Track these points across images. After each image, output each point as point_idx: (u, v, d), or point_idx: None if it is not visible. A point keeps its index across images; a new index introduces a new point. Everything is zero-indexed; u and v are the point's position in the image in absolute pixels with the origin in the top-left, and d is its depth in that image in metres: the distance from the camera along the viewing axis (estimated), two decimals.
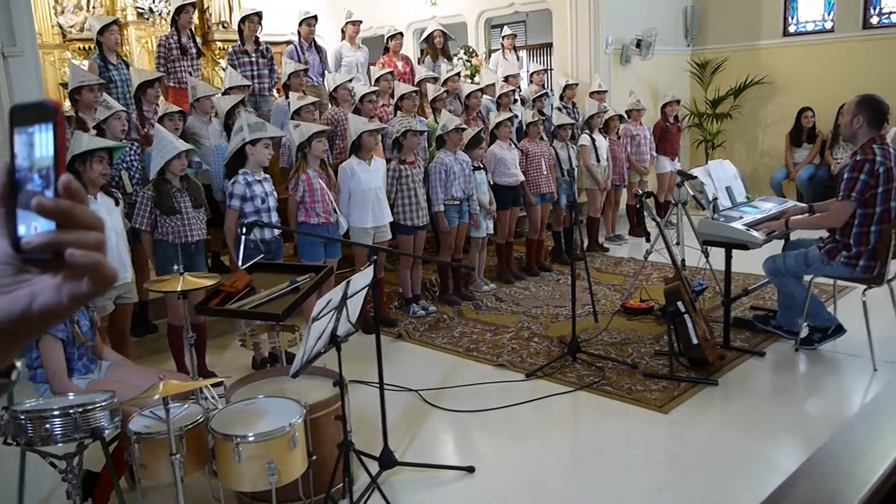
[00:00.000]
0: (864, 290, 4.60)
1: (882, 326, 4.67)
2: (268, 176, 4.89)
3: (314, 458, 3.08)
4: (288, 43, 8.72)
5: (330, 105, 6.77)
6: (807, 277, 4.77)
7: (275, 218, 4.82)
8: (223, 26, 9.77)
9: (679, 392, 4.30)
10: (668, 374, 4.51)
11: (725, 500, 3.29)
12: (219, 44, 9.70)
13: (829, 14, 9.58)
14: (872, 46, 9.09)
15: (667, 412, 4.08)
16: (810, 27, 9.81)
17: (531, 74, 8.73)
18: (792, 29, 9.95)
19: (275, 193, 4.90)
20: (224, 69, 7.99)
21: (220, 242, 5.70)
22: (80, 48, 8.99)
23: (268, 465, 2.80)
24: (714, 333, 4.80)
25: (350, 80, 6.93)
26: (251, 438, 2.82)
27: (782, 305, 5.03)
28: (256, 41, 7.19)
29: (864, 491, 1.66)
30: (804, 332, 4.86)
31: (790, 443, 3.77)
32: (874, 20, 9.24)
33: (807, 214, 4.86)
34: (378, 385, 3.43)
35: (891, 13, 9.13)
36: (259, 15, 7.13)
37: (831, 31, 9.54)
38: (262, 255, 4.08)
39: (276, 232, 4.86)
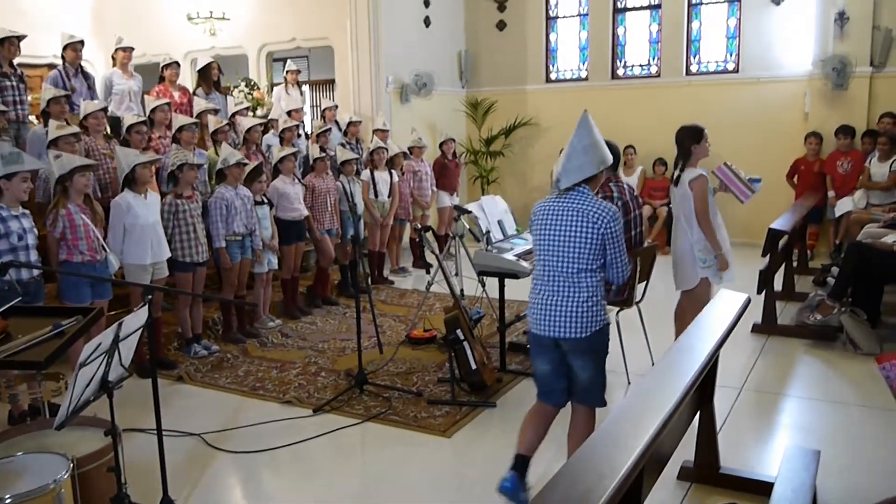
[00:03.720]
0: (618, 311, 5.14)
1: (633, 344, 5.23)
2: (26, 211, 4.47)
3: None
4: (51, 66, 8.08)
5: (82, 134, 6.32)
6: None
7: (34, 257, 4.42)
8: None
9: (461, 416, 4.52)
10: (451, 399, 4.72)
11: None
12: None
13: (583, 64, 10.69)
14: (619, 94, 10.28)
15: (450, 436, 4.27)
16: (568, 75, 10.88)
17: (323, 110, 8.79)
18: (553, 76, 10.96)
19: (35, 230, 4.50)
20: None
21: None
22: None
23: None
24: (491, 358, 5.11)
25: (104, 108, 6.54)
26: (8, 500, 2.56)
27: None
28: (11, 65, 6.59)
29: (611, 488, 1.88)
30: None
31: (559, 454, 4.08)
32: (620, 72, 10.47)
33: None
34: (156, 431, 3.26)
35: (633, 66, 10.39)
36: (20, 38, 6.55)
37: (586, 79, 10.65)
38: (18, 298, 3.73)
39: (36, 272, 4.45)
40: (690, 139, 4.81)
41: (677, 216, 4.90)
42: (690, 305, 4.78)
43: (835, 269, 6.65)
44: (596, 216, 3.17)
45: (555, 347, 3.30)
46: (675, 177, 4.87)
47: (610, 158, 3.39)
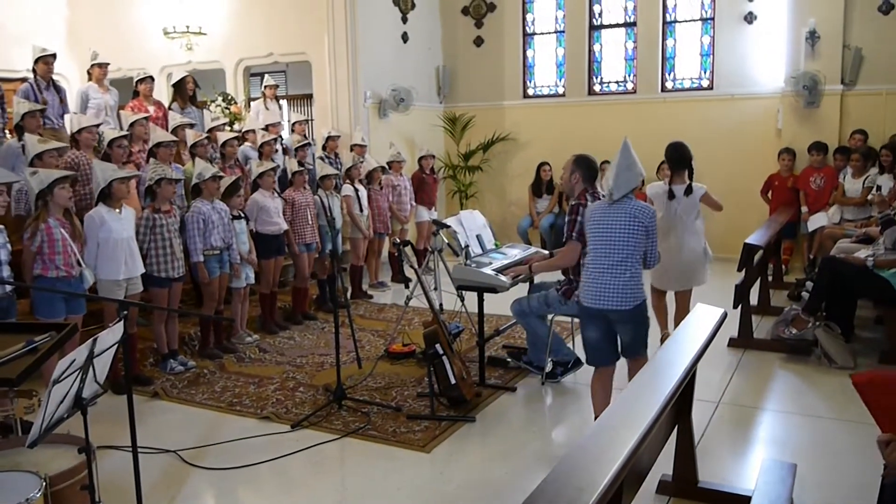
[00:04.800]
0: None
1: None
2: (1, 226, 4.42)
3: None
4: (22, 80, 8.00)
5: (70, 148, 6.29)
6: (550, 316, 5.26)
7: (6, 273, 4.35)
8: None
9: (440, 431, 4.50)
10: (430, 414, 4.71)
11: None
12: None
13: (560, 80, 10.79)
14: (596, 110, 10.39)
15: (429, 451, 4.26)
16: (546, 91, 10.97)
17: (293, 124, 8.79)
18: (530, 92, 11.05)
19: (8, 245, 4.44)
20: None
21: None
22: None
23: None
24: (470, 372, 5.10)
25: (98, 125, 6.51)
26: None
27: (530, 343, 5.49)
28: None
29: (591, 502, 1.89)
30: (549, 367, 5.33)
31: (539, 468, 4.08)
32: (597, 88, 10.58)
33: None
34: (131, 449, 3.21)
35: (609, 83, 10.51)
36: None
37: (563, 95, 10.74)
38: None
39: (9, 288, 4.38)
40: (690, 154, 5.52)
41: (686, 221, 5.51)
42: (686, 304, 5.60)
43: (809, 284, 6.74)
44: (642, 216, 4.01)
45: (602, 318, 4.06)
46: (687, 187, 5.48)
47: (643, 171, 4.19)
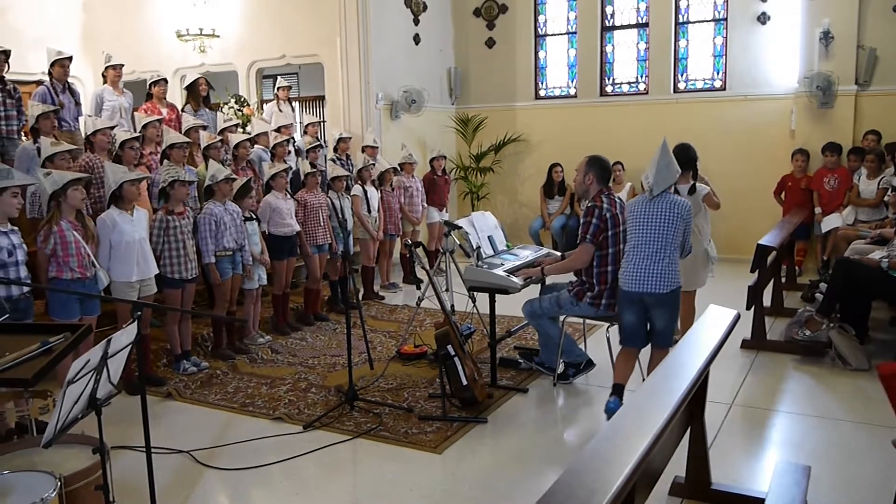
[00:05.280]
0: (608, 327, 5.16)
1: None
2: (15, 228, 4.46)
3: None
4: (38, 83, 8.07)
5: (85, 150, 6.34)
6: (562, 318, 5.25)
7: (24, 273, 4.39)
8: None
9: (452, 432, 4.50)
10: (442, 415, 4.71)
11: None
12: None
13: (572, 82, 10.78)
14: (608, 111, 10.36)
15: (441, 452, 4.26)
16: (557, 92, 10.95)
17: (306, 126, 8.82)
18: (542, 93, 11.04)
19: (24, 246, 4.47)
20: None
21: None
22: None
23: None
24: (482, 374, 5.10)
25: (113, 127, 6.56)
26: None
27: (542, 345, 5.48)
28: (2, 80, 6.59)
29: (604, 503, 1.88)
30: (560, 368, 5.32)
31: (551, 470, 4.08)
32: (608, 89, 10.55)
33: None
34: (144, 449, 3.23)
35: (622, 84, 10.48)
36: (7, 53, 6.56)
37: (575, 96, 10.72)
38: (7, 315, 3.71)
39: (25, 289, 4.42)
40: (696, 156, 5.70)
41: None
42: (691, 305, 5.71)
43: (823, 285, 6.70)
44: (680, 209, 4.44)
45: (640, 302, 4.45)
46: (691, 187, 5.65)
47: (679, 168, 4.58)
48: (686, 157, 5.57)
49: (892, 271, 5.51)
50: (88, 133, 6.32)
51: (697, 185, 5.67)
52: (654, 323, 4.50)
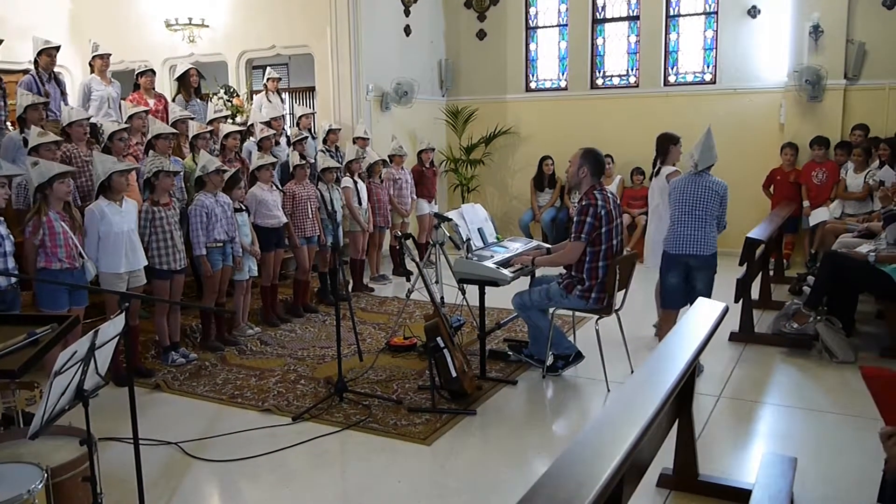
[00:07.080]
0: (597, 319, 5.17)
1: (613, 351, 5.26)
2: (2, 218, 4.42)
3: None
4: (24, 72, 7.99)
5: (63, 141, 6.27)
6: (551, 310, 5.26)
7: (11, 264, 4.35)
8: None
9: (441, 423, 4.51)
10: (431, 407, 4.71)
11: None
12: None
13: (563, 74, 10.77)
14: (598, 104, 10.37)
15: (430, 444, 4.26)
16: (548, 85, 10.95)
17: (299, 118, 8.77)
18: (533, 86, 11.02)
19: (11, 237, 4.44)
20: None
21: None
22: None
23: None
24: (471, 366, 5.11)
25: (89, 118, 6.49)
26: None
27: (531, 337, 5.49)
28: None
29: (591, 496, 1.89)
30: (549, 361, 5.33)
31: (540, 462, 4.10)
32: (599, 81, 10.55)
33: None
34: (132, 440, 3.22)
35: (612, 76, 10.48)
36: None
37: (565, 89, 10.72)
38: None
39: (13, 280, 4.39)
40: (669, 141, 5.98)
41: (654, 205, 6.07)
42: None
43: (810, 279, 6.73)
44: (718, 187, 5.18)
45: (683, 264, 5.17)
46: (654, 171, 6.08)
47: (717, 153, 5.24)
48: (660, 144, 6.03)
49: (879, 265, 5.55)
50: (65, 124, 6.24)
51: (663, 167, 6.02)
52: (695, 284, 5.12)
